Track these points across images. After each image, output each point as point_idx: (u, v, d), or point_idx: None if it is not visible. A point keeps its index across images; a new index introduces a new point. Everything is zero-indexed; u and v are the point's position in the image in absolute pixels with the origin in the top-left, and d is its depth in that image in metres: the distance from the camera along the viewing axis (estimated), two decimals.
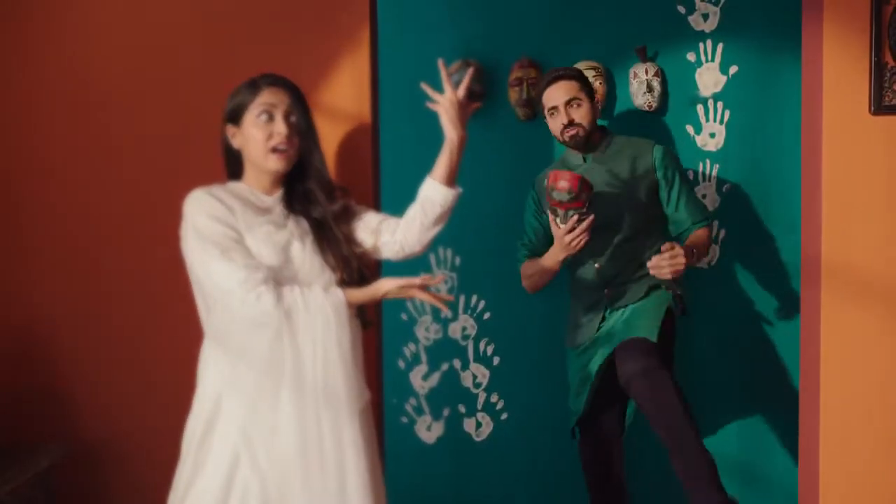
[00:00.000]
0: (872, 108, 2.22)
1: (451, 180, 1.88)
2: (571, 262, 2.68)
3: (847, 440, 2.28)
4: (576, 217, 2.45)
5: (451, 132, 1.86)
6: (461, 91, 1.90)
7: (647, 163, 2.64)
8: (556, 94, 2.61)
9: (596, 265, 2.64)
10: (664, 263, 2.36)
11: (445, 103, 1.87)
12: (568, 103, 2.60)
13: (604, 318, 2.64)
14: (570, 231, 2.47)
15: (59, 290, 2.25)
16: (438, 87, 1.89)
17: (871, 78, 2.21)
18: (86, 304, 2.25)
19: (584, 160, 2.69)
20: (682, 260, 2.35)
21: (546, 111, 2.67)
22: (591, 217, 2.47)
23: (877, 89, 2.21)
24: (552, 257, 2.59)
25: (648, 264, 2.41)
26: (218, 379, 1.85)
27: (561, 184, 2.40)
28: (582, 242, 2.48)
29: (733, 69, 3.02)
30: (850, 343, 2.26)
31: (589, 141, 2.66)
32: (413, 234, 1.90)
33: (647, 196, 2.63)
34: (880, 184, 2.25)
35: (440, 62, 1.91)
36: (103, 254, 2.26)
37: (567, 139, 2.63)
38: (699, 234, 2.64)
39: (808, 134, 2.37)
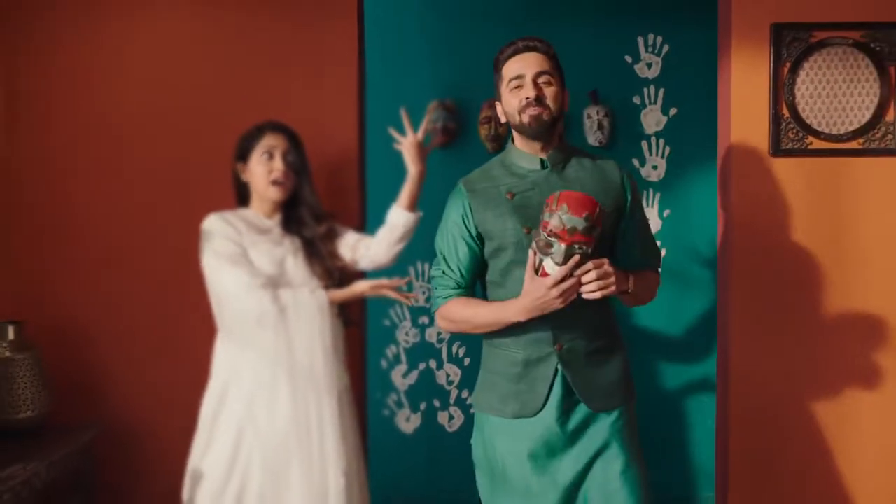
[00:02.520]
0: (771, 151, 2.67)
1: (412, 206, 2.35)
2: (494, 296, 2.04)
3: (755, 421, 2.72)
4: (577, 257, 1.81)
5: (411, 167, 2.34)
6: (420, 134, 2.37)
7: (615, 185, 2.05)
8: (525, 64, 1.99)
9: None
10: (591, 278, 1.83)
11: (407, 144, 2.35)
12: (538, 76, 1.98)
13: (551, 388, 1.96)
14: (565, 278, 1.82)
15: (95, 294, 2.68)
16: (418, 125, 2.37)
17: (770, 127, 2.67)
18: (118, 306, 2.68)
19: (543, 165, 2.02)
20: (612, 280, 1.85)
21: (504, 84, 2.02)
22: (606, 263, 1.86)
23: (775, 136, 2.66)
24: (520, 310, 1.89)
25: (583, 286, 1.85)
26: (227, 365, 2.30)
27: (574, 207, 1.78)
28: (573, 295, 1.85)
29: (673, 111, 3.50)
30: (757, 341, 2.70)
31: (548, 141, 2.02)
32: (382, 250, 2.36)
33: (611, 222, 2.01)
34: (779, 210, 2.70)
35: (402, 110, 2.38)
36: (134, 262, 2.69)
37: (528, 121, 1.97)
38: (650, 274, 2.12)
39: (723, 170, 2.82)
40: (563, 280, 1.81)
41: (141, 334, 2.68)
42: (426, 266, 3.60)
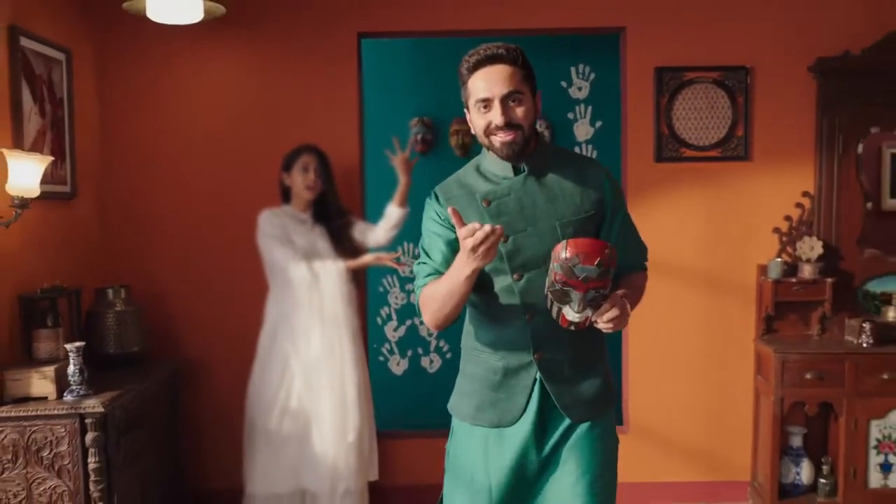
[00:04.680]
0: (655, 159, 3.74)
1: (403, 204, 3.39)
2: (483, 309, 1.97)
3: (646, 362, 3.80)
4: (589, 313, 1.77)
5: (402, 177, 3.39)
6: (407, 153, 3.41)
7: (597, 183, 1.95)
8: (491, 84, 1.84)
9: (526, 316, 1.89)
10: (613, 316, 1.77)
11: (398, 161, 3.39)
12: (507, 97, 1.84)
13: (530, 397, 1.92)
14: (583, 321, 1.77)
15: (177, 265, 3.66)
16: (403, 140, 3.41)
17: (655, 141, 3.72)
18: (194, 273, 3.66)
19: (516, 171, 1.92)
20: (628, 314, 1.81)
21: (471, 101, 1.88)
22: (620, 297, 1.80)
23: (658, 147, 3.73)
24: (463, 262, 1.79)
25: (597, 320, 1.78)
26: (276, 314, 3.32)
27: (585, 257, 1.69)
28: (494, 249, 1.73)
29: (598, 123, 4.56)
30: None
31: (526, 146, 1.90)
32: (382, 234, 3.40)
33: (595, 225, 1.94)
34: (661, 205, 3.76)
35: (394, 139, 3.42)
36: (205, 242, 3.66)
37: (499, 146, 1.87)
38: (637, 278, 2.04)
39: (623, 171, 3.89)
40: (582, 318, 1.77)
41: (210, 293, 3.68)
42: (411, 245, 4.66)
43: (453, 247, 1.91)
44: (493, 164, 1.96)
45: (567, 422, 1.94)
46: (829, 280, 3.58)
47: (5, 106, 2.86)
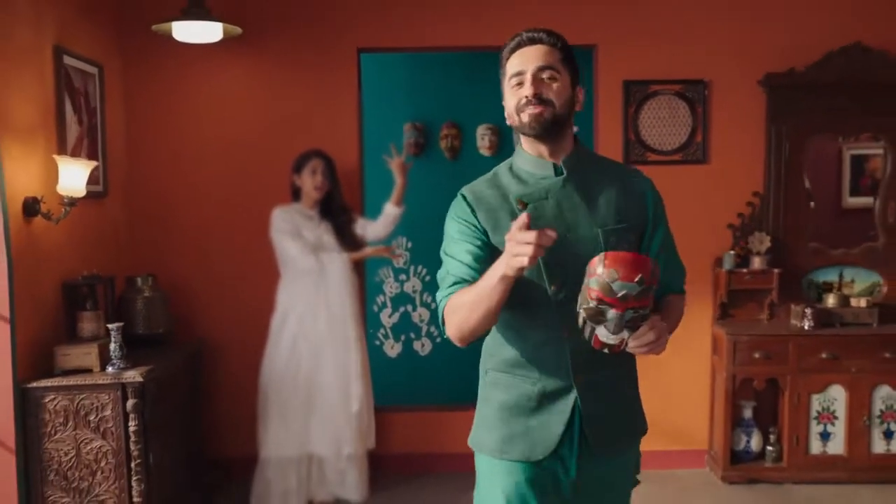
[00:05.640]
0: (623, 162, 4.18)
1: (399, 203, 3.83)
2: (515, 325, 1.81)
3: None
4: (626, 335, 1.60)
5: (398, 179, 3.82)
6: (402, 157, 3.84)
7: (641, 193, 1.84)
8: (526, 59, 1.77)
9: (564, 333, 1.74)
10: (650, 339, 1.60)
11: (394, 164, 3.82)
12: (540, 70, 1.75)
13: (567, 426, 1.76)
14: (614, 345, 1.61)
15: (197, 256, 4.07)
16: (399, 143, 3.86)
17: (623, 146, 4.17)
18: (212, 264, 4.07)
19: (556, 171, 1.79)
20: (666, 340, 1.65)
21: (506, 82, 1.80)
22: (658, 323, 1.62)
23: (626, 152, 4.16)
24: (502, 264, 1.61)
25: (631, 342, 1.61)
26: (287, 299, 3.74)
27: (625, 272, 1.53)
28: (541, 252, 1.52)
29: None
30: None
31: (557, 143, 1.79)
32: (380, 229, 3.84)
33: (637, 236, 1.82)
34: None
35: (391, 145, 3.86)
36: (222, 236, 4.08)
37: (527, 120, 1.75)
38: (675, 301, 1.89)
39: None
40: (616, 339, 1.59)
41: (227, 282, 4.11)
42: (404, 240, 5.09)
43: (480, 253, 1.76)
44: (529, 163, 1.82)
45: (601, 454, 1.77)
46: (777, 270, 4.04)
47: (51, 116, 3.27)
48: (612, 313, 1.56)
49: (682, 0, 4.08)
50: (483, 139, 5.00)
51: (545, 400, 1.75)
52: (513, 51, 1.80)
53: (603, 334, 1.60)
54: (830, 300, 4.07)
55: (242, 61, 4.05)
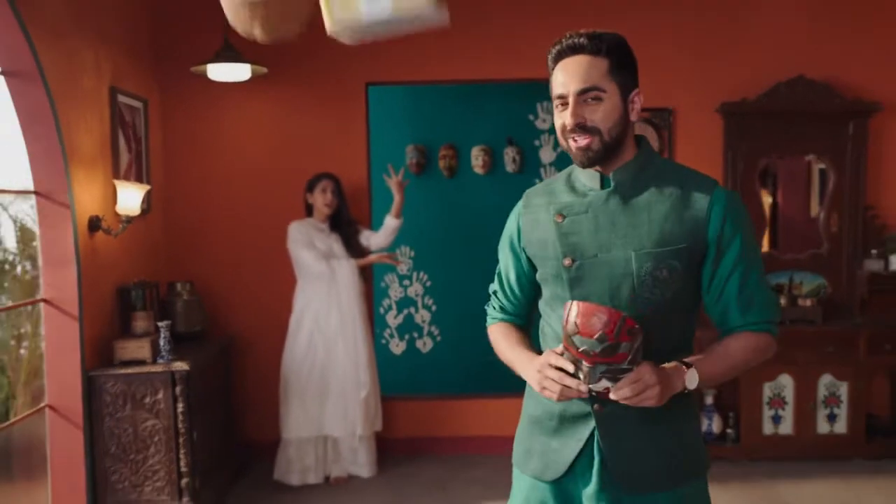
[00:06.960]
0: None
1: (398, 215, 4.41)
2: (543, 337, 1.78)
3: None
4: (607, 384, 1.49)
5: (395, 196, 4.41)
6: (400, 176, 4.44)
7: (699, 210, 1.62)
8: (567, 78, 1.62)
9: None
10: (625, 395, 1.51)
11: (392, 182, 4.42)
12: (582, 94, 1.59)
13: (581, 453, 1.66)
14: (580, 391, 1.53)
15: (226, 265, 4.66)
16: (402, 163, 4.48)
17: None
18: (240, 271, 4.65)
19: (603, 183, 1.66)
20: (654, 394, 1.51)
21: (553, 99, 1.66)
22: (645, 375, 1.50)
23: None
24: (528, 377, 1.67)
25: (611, 395, 1.52)
26: (302, 300, 4.33)
27: (590, 324, 1.44)
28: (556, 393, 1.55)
29: (559, 149, 5.58)
30: None
31: (611, 155, 1.63)
32: (382, 239, 4.42)
33: (685, 261, 1.62)
34: None
35: (389, 166, 4.45)
36: (247, 247, 4.65)
37: (574, 152, 1.63)
38: (748, 341, 1.70)
39: None
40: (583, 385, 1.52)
41: (252, 286, 4.70)
42: (407, 248, 5.68)
43: (524, 275, 1.77)
44: (582, 173, 1.69)
45: (630, 492, 1.63)
46: None
47: (107, 146, 3.88)
48: (584, 365, 1.48)
49: (650, 36, 4.64)
50: (477, 159, 5.58)
51: (566, 422, 1.68)
52: (555, 60, 1.65)
53: (576, 373, 1.53)
54: (782, 301, 4.63)
55: (266, 96, 4.65)
